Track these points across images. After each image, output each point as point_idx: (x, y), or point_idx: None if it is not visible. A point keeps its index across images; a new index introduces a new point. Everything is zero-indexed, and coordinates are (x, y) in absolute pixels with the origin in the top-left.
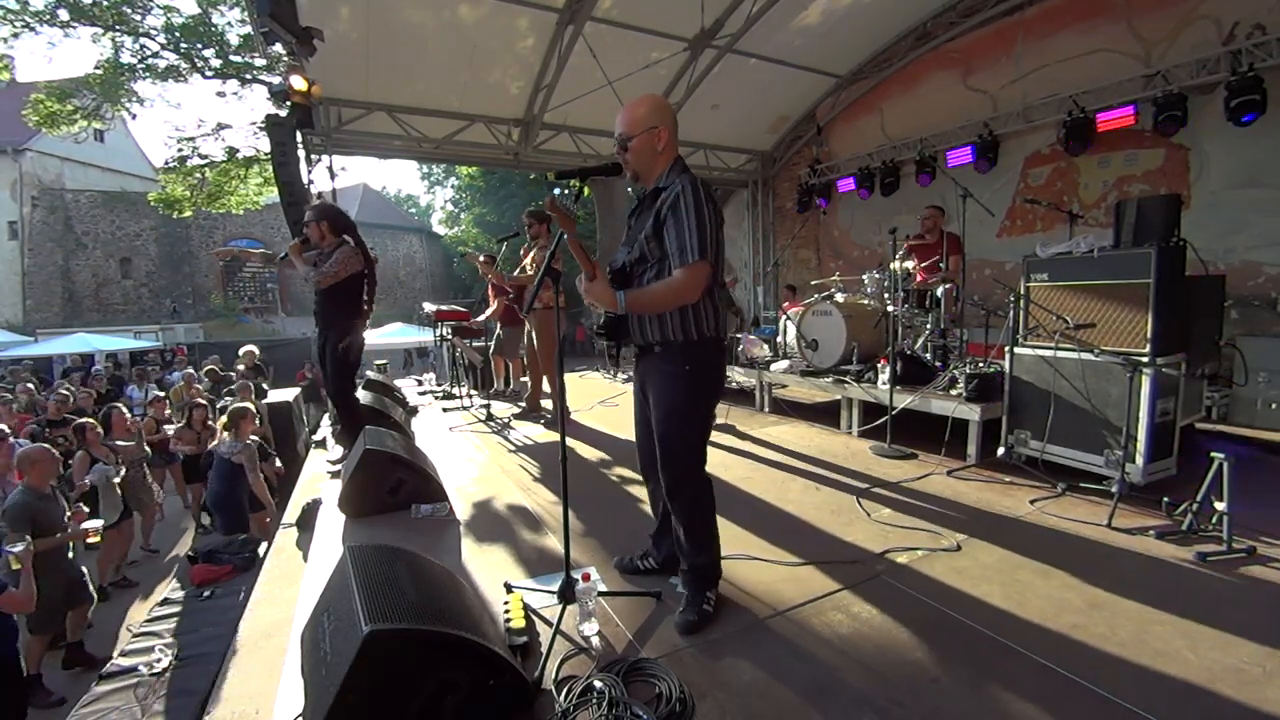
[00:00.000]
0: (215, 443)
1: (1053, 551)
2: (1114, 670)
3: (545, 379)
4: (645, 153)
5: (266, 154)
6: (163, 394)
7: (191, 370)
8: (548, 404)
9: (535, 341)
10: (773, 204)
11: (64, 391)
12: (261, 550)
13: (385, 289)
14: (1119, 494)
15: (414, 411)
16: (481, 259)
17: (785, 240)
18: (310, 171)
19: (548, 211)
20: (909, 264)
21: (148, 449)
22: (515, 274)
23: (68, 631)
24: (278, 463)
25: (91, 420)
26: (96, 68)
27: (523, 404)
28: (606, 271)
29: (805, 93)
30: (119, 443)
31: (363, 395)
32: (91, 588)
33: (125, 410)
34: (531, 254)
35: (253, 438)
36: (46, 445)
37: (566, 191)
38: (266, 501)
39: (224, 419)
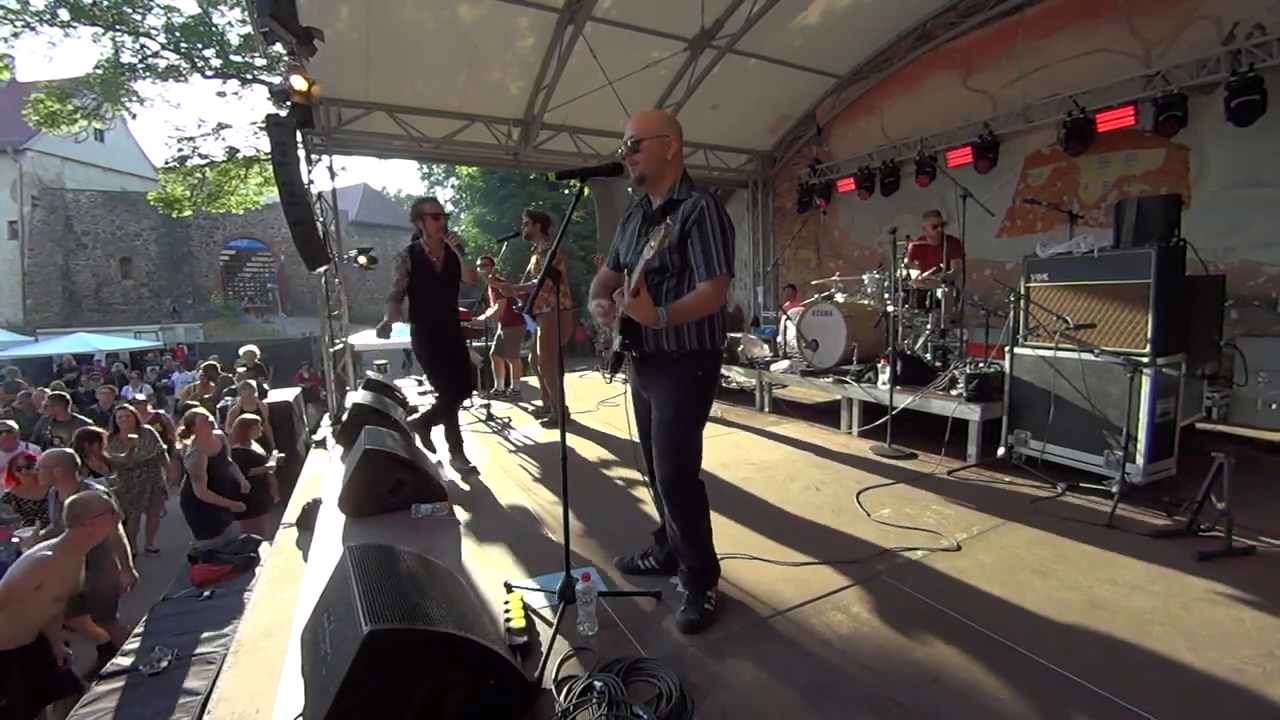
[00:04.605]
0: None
1: (1053, 552)
2: (1114, 670)
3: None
4: (656, 158)
5: (266, 154)
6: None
7: (150, 385)
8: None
9: (538, 344)
10: (773, 204)
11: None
12: (263, 550)
13: (385, 289)
14: (1119, 494)
15: (414, 411)
16: (479, 262)
17: (785, 240)
18: (310, 171)
19: None
20: (912, 271)
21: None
22: (522, 281)
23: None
24: (270, 462)
25: (98, 430)
26: (96, 68)
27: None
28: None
29: (805, 93)
30: (106, 454)
31: (362, 395)
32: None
33: (132, 410)
34: (534, 258)
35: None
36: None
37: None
38: (219, 502)
39: (181, 425)
